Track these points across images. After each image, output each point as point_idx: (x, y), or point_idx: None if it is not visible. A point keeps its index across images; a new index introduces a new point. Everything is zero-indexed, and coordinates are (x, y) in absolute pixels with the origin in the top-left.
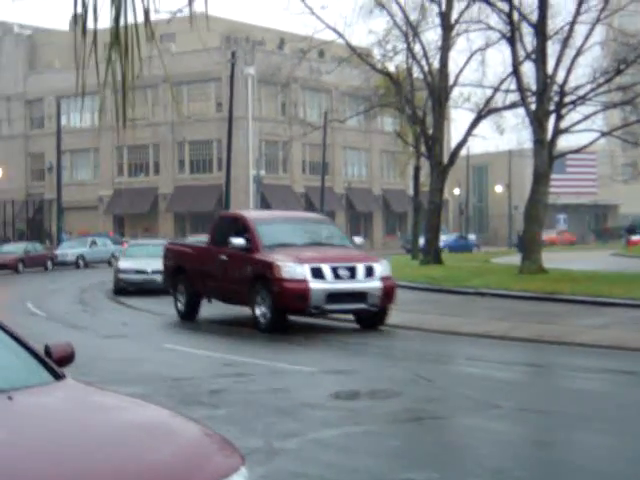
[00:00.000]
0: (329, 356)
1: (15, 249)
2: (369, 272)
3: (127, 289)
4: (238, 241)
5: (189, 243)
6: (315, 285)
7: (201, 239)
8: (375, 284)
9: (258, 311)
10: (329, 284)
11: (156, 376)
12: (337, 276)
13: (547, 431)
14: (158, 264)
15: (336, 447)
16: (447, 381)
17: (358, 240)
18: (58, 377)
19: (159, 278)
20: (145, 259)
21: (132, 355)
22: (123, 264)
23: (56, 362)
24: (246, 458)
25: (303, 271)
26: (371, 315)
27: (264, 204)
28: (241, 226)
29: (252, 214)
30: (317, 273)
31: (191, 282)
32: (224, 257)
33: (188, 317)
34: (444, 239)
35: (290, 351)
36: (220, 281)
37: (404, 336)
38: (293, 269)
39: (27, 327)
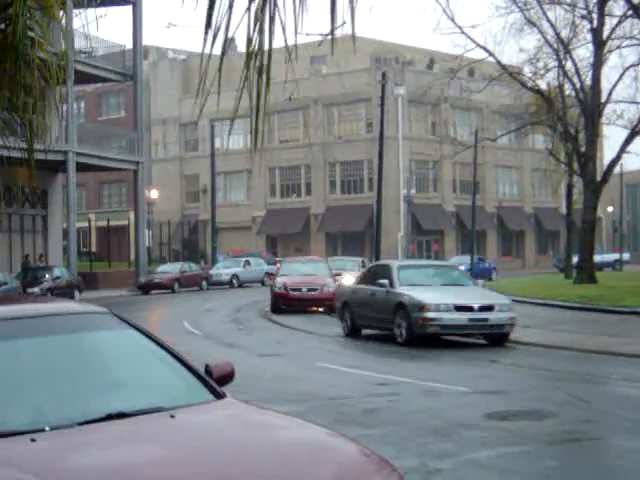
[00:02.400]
0: (481, 376)
1: (171, 269)
2: None
3: (434, 335)
4: None
5: None
6: None
7: None
8: None
9: None
10: None
11: (310, 395)
12: None
13: None
14: (476, 295)
15: (492, 468)
16: (604, 402)
17: None
18: (219, 396)
19: (494, 318)
20: (439, 288)
21: (286, 374)
22: (423, 295)
23: (216, 381)
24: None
25: None
26: None
27: (414, 223)
28: None
29: None
30: None
31: None
32: None
33: None
34: (453, 260)
35: (443, 371)
36: None
37: (558, 356)
38: None
39: (185, 346)
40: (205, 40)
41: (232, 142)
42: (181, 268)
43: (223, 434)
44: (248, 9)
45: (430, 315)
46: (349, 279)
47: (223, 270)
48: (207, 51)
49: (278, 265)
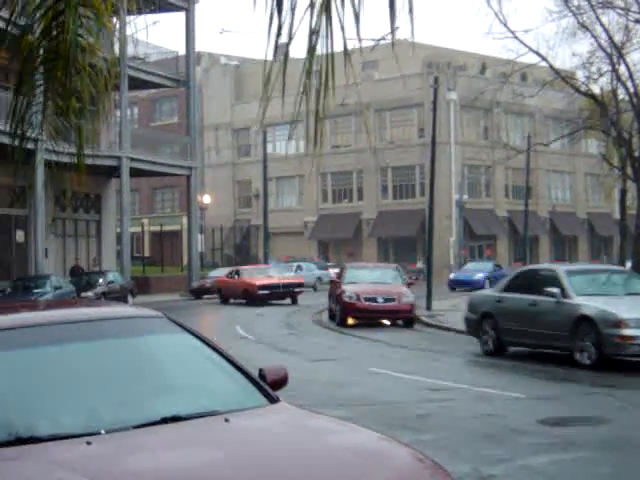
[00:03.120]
0: (534, 382)
1: (224, 274)
2: None
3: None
4: None
5: None
6: None
7: None
8: None
9: None
10: None
11: (363, 400)
12: None
13: None
14: None
15: (546, 474)
16: None
17: None
18: (272, 400)
19: None
20: (626, 299)
21: (339, 379)
22: (615, 308)
23: (270, 385)
24: None
25: None
26: None
27: (466, 229)
28: None
29: None
30: None
31: None
32: None
33: None
34: (470, 267)
35: (496, 377)
36: None
37: (608, 363)
38: None
39: (237, 350)
40: (269, 45)
41: (285, 147)
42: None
43: (277, 438)
44: (310, 14)
45: (629, 332)
46: None
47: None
48: (270, 56)
49: (328, 270)
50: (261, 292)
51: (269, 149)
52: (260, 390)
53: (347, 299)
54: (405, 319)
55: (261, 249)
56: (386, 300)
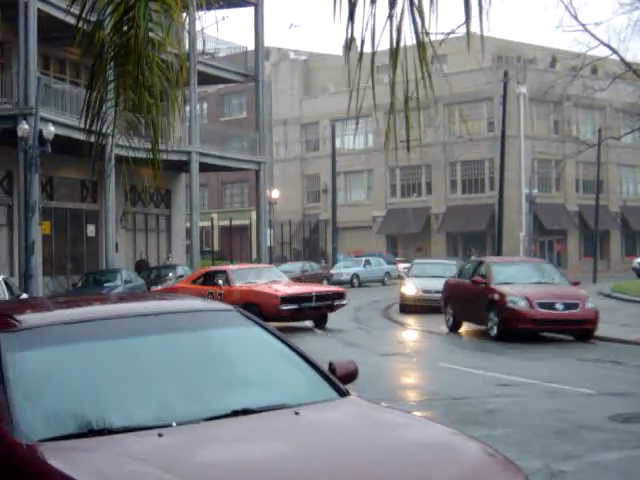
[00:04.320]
0: (606, 378)
1: (292, 268)
2: None
3: None
4: None
5: None
6: None
7: None
8: None
9: None
10: None
11: (432, 394)
12: None
13: None
14: None
15: (617, 471)
16: None
17: None
18: (342, 394)
19: None
20: None
21: (407, 373)
22: None
23: (340, 379)
24: None
25: None
26: None
27: (536, 223)
28: None
29: None
30: None
31: None
32: None
33: None
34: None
35: (566, 372)
36: None
37: None
38: None
39: (305, 344)
40: (347, 43)
41: (353, 142)
42: (302, 267)
43: (348, 432)
44: (390, 12)
45: None
46: (411, 288)
47: (343, 270)
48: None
49: (396, 265)
50: (286, 308)
51: (338, 144)
52: (330, 384)
53: (512, 305)
54: (588, 331)
55: (329, 243)
56: (567, 307)
